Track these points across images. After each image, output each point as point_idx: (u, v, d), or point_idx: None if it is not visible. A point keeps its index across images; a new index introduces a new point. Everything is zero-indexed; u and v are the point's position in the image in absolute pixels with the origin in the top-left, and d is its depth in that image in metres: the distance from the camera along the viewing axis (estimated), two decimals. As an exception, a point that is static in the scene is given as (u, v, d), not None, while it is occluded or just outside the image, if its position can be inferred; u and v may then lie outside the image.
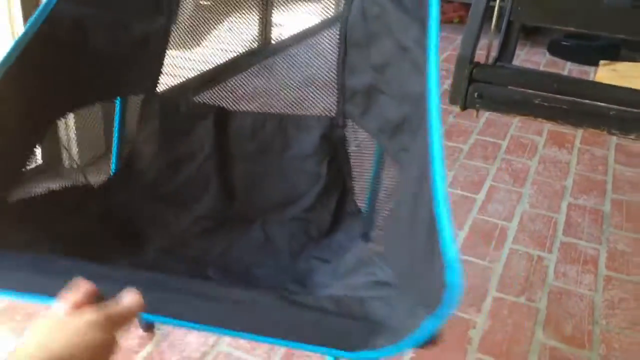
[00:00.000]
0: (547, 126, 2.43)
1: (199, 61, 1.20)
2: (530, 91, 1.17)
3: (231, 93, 1.05)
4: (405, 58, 0.79)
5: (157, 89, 1.05)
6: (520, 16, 1.43)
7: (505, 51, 1.47)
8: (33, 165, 0.95)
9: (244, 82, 1.06)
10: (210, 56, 1.17)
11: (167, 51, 1.03)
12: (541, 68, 3.25)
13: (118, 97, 1.02)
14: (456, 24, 3.99)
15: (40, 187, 0.88)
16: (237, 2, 1.15)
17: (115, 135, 1.07)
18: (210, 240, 0.94)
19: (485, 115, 2.53)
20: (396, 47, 0.81)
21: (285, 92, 1.03)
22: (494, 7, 1.29)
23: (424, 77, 0.70)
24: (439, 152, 0.64)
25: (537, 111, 1.19)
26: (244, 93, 1.06)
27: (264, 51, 1.07)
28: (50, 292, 0.55)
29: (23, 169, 0.85)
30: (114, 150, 1.07)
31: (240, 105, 1.06)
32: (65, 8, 0.90)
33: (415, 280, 0.62)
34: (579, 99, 1.14)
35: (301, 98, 1.01)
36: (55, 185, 0.93)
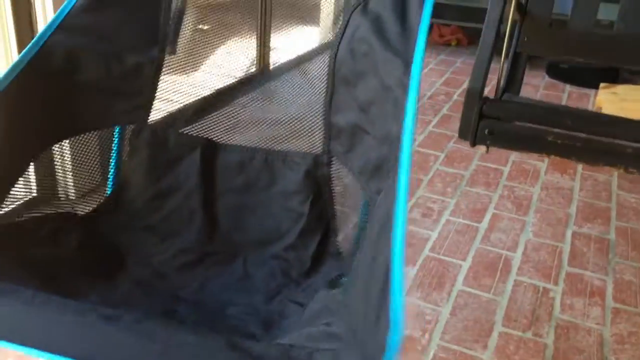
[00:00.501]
0: (581, 166, 2.40)
1: (196, 86, 1.18)
2: (543, 127, 1.15)
3: (221, 124, 1.04)
4: (388, 98, 0.77)
5: (149, 118, 1.03)
6: (527, 48, 1.41)
7: (513, 82, 1.45)
8: (27, 197, 0.93)
9: (234, 113, 1.04)
10: (208, 81, 1.15)
11: (166, 76, 1.02)
12: (540, 91, 3.25)
13: (115, 126, 1.01)
14: (454, 47, 3.99)
15: (25, 216, 0.86)
16: (235, 25, 1.14)
17: (112, 164, 1.05)
18: (189, 274, 0.91)
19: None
20: (381, 86, 0.80)
21: (273, 127, 1.01)
22: (501, 36, 1.27)
23: (401, 118, 0.68)
24: (403, 200, 0.61)
25: (550, 149, 1.17)
26: (233, 125, 1.04)
27: (255, 81, 1.04)
28: None
29: (5, 196, 0.83)
30: (109, 180, 1.05)
31: (229, 137, 1.04)
32: (59, 39, 0.91)
33: (362, 337, 0.59)
34: (594, 137, 1.11)
35: (288, 133, 1.00)
36: (39, 212, 0.91)
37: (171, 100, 1.07)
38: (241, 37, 1.19)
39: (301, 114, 0.98)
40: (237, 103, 1.06)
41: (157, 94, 1.03)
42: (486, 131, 1.17)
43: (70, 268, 0.86)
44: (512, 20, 1.26)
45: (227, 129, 1.03)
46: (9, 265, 0.77)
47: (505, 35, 1.21)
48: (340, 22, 0.91)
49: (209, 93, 1.12)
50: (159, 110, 1.04)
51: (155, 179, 1.02)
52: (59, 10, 0.95)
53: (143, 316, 0.62)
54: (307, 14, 1.07)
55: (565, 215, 1.98)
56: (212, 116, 1.04)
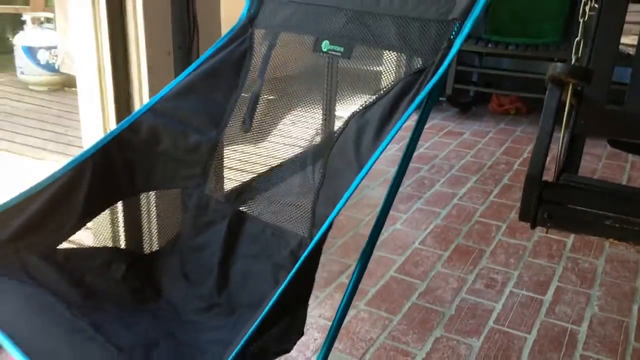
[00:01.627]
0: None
1: (264, 156, 1.30)
2: (600, 212, 1.20)
3: (251, 198, 1.20)
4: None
5: (201, 185, 1.18)
6: (584, 130, 1.48)
7: (571, 162, 1.51)
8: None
9: (258, 192, 1.19)
10: (274, 150, 1.27)
11: (237, 146, 1.19)
12: (602, 160, 3.25)
13: (176, 188, 1.20)
14: (513, 115, 4.06)
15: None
16: (301, 96, 1.26)
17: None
18: (197, 316, 1.07)
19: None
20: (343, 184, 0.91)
21: (282, 206, 1.15)
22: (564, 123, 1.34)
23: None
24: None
25: (608, 232, 1.22)
26: (256, 201, 1.19)
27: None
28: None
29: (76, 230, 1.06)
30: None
31: (252, 210, 1.19)
32: (148, 117, 1.14)
33: None
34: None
35: (287, 216, 1.13)
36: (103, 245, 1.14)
37: (246, 162, 1.22)
38: (306, 108, 1.31)
39: (299, 202, 1.12)
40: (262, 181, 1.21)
41: (211, 168, 1.19)
42: (545, 215, 1.24)
43: (104, 293, 1.05)
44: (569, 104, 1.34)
45: (252, 204, 1.19)
46: (59, 279, 1.01)
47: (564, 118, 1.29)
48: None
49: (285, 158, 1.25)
50: (211, 179, 1.21)
51: (194, 235, 1.19)
52: (154, 97, 1.15)
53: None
54: (368, 85, 1.17)
55: (631, 288, 1.98)
56: (245, 192, 1.19)
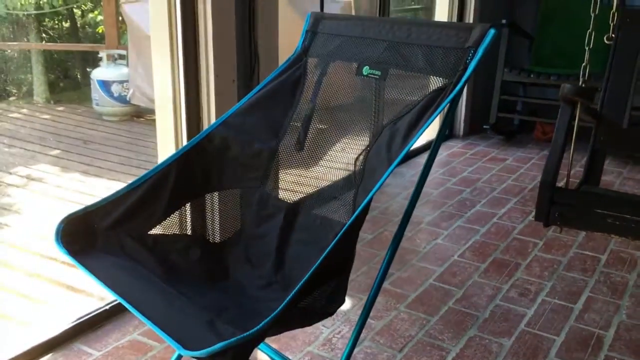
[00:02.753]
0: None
1: (314, 178, 1.53)
2: (604, 212, 1.37)
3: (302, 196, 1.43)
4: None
5: (262, 185, 1.41)
6: (602, 145, 1.65)
7: (592, 175, 1.68)
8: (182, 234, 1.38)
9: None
10: (321, 181, 1.50)
11: (291, 175, 1.42)
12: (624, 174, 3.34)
13: (243, 188, 1.44)
14: (558, 143, 4.17)
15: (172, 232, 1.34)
16: (348, 126, 1.48)
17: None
18: (259, 292, 1.28)
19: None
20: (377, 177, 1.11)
21: (330, 201, 1.37)
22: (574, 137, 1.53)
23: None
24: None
25: (610, 229, 1.38)
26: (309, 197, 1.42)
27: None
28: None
29: (163, 219, 1.31)
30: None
31: (305, 204, 1.41)
32: (220, 130, 1.38)
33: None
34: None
35: (334, 208, 1.35)
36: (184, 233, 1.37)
37: (300, 184, 1.45)
38: (351, 142, 1.53)
39: (342, 196, 1.34)
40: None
41: (271, 171, 1.42)
42: (557, 214, 1.41)
43: (185, 270, 1.29)
44: (585, 121, 1.52)
45: (306, 200, 1.41)
46: (149, 257, 1.25)
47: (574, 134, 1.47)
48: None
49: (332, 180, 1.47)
50: (271, 180, 1.44)
51: (256, 226, 1.41)
52: (225, 113, 1.40)
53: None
54: (400, 101, 1.38)
55: (661, 300, 2.08)
56: (298, 191, 1.43)
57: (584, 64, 1.53)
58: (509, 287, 2.17)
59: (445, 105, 1.11)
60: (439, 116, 1.13)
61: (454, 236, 2.61)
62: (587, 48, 1.55)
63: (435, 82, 1.17)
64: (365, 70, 1.30)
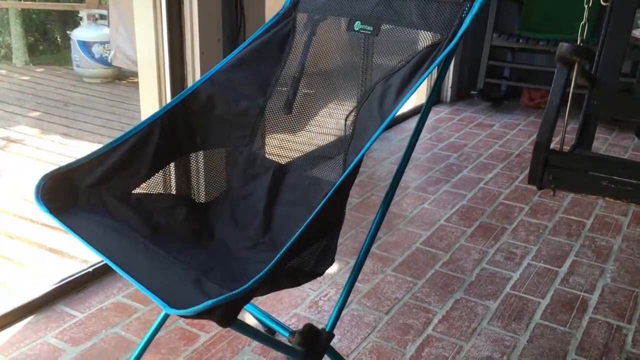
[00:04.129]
0: (632, 207, 2.53)
1: (299, 144, 1.50)
2: (599, 174, 1.36)
3: (291, 156, 1.40)
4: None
5: (249, 144, 1.38)
6: (595, 109, 1.63)
7: (584, 139, 1.66)
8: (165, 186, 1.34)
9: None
10: (311, 140, 1.47)
11: (280, 135, 1.38)
12: (629, 152, 3.35)
13: (228, 147, 1.40)
14: (544, 109, 4.16)
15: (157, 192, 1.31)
16: (338, 86, 1.44)
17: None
18: (246, 253, 1.26)
19: (570, 195, 2.66)
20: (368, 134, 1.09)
21: (320, 161, 1.34)
22: (572, 94, 1.50)
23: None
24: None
25: (604, 192, 1.37)
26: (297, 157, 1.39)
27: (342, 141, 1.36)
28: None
29: (147, 178, 1.27)
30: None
31: (293, 163, 1.39)
32: (206, 86, 1.33)
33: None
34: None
35: (324, 167, 1.32)
36: (170, 193, 1.33)
37: (285, 149, 1.41)
38: (342, 101, 1.50)
39: (332, 155, 1.31)
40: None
41: (259, 129, 1.39)
42: (550, 177, 1.40)
43: (170, 230, 1.26)
44: (580, 85, 1.50)
45: (293, 159, 1.39)
46: (133, 216, 1.22)
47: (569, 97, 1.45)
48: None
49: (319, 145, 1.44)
50: (258, 139, 1.41)
51: (243, 185, 1.38)
52: (212, 69, 1.35)
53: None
54: (392, 57, 1.34)
55: (644, 264, 2.10)
56: (286, 149, 1.40)
57: (582, 22, 1.50)
58: (495, 251, 2.18)
59: (439, 60, 1.07)
60: (429, 78, 1.09)
61: (440, 201, 2.60)
62: (586, 6, 1.51)
63: (430, 38, 1.13)
64: (357, 25, 1.26)
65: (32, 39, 6.05)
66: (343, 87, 1.32)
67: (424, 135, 3.49)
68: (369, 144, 1.01)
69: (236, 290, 0.85)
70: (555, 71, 1.48)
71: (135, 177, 1.26)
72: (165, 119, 1.29)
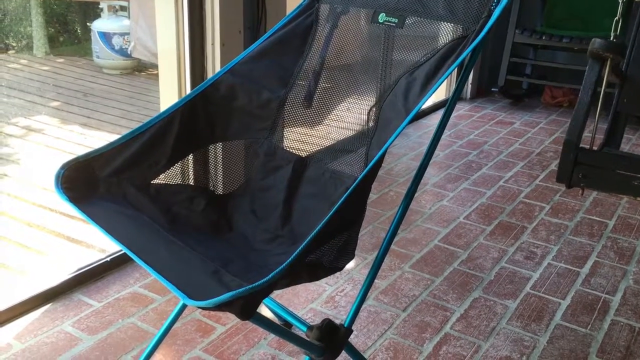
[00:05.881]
0: (656, 208, 2.48)
1: (319, 137, 1.48)
2: (630, 174, 1.32)
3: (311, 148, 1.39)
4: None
5: (270, 136, 1.36)
6: (626, 107, 1.59)
7: (613, 138, 1.62)
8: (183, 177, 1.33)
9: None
10: (331, 133, 1.45)
11: (300, 128, 1.36)
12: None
13: (249, 139, 1.39)
14: (565, 108, 4.10)
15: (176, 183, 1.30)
16: (360, 79, 1.42)
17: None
18: (265, 245, 1.24)
19: (592, 195, 2.62)
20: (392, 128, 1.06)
21: (340, 154, 1.32)
22: (600, 93, 1.47)
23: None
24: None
25: (636, 191, 1.33)
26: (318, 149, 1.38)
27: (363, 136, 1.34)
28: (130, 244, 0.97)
29: (166, 169, 1.26)
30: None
31: (313, 156, 1.37)
32: (226, 77, 1.32)
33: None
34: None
35: (345, 160, 1.30)
36: (189, 184, 1.33)
37: (304, 142, 1.40)
38: (363, 95, 1.48)
39: (354, 148, 1.29)
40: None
41: (279, 121, 1.37)
42: (580, 175, 1.37)
43: (188, 221, 1.24)
44: (611, 82, 1.46)
45: (314, 152, 1.37)
46: (152, 206, 1.21)
47: (600, 95, 1.41)
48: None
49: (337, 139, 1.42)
50: (279, 131, 1.39)
51: (263, 178, 1.37)
52: (233, 60, 1.34)
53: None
54: (418, 50, 1.31)
55: (668, 267, 2.06)
56: (307, 143, 1.38)
57: (616, 18, 1.46)
58: (514, 250, 2.14)
59: (467, 54, 1.05)
60: (451, 75, 1.07)
61: (459, 198, 2.57)
62: (620, 1, 1.47)
63: (456, 30, 1.10)
64: (382, 17, 1.24)
65: (53, 30, 6.09)
66: (364, 81, 1.30)
67: (443, 132, 3.45)
68: (393, 137, 0.99)
69: (257, 283, 0.84)
70: (587, 67, 1.45)
71: (154, 167, 1.26)
72: (186, 109, 1.28)
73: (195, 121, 1.30)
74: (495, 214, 2.44)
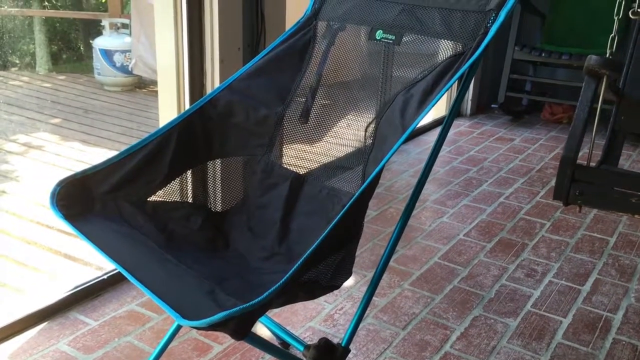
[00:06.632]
0: (657, 225, 2.47)
1: (316, 154, 1.48)
2: (628, 191, 1.31)
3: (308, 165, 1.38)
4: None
5: (267, 153, 1.36)
6: (623, 125, 1.59)
7: (610, 155, 1.62)
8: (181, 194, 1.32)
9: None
10: (329, 150, 1.44)
11: (298, 145, 1.36)
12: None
13: (247, 155, 1.38)
14: (565, 124, 4.10)
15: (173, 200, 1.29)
16: (358, 96, 1.42)
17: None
18: (261, 264, 1.23)
19: (593, 212, 2.61)
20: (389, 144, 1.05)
21: (337, 171, 1.32)
22: (598, 112, 1.46)
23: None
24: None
25: (633, 208, 1.33)
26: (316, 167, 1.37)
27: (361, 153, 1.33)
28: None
29: (163, 186, 1.26)
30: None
31: (310, 174, 1.36)
32: (224, 94, 1.32)
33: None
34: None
35: (342, 178, 1.30)
36: (185, 201, 1.32)
37: (302, 159, 1.39)
38: (361, 112, 1.47)
39: (352, 166, 1.28)
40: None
41: (277, 138, 1.37)
42: (577, 192, 1.36)
43: (185, 239, 1.23)
44: (607, 100, 1.46)
45: (312, 169, 1.37)
46: (148, 224, 1.20)
47: (597, 112, 1.41)
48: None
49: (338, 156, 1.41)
50: (276, 148, 1.39)
51: (260, 195, 1.36)
52: (231, 77, 1.34)
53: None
54: (415, 67, 1.31)
55: (670, 285, 2.04)
56: (304, 160, 1.38)
57: (612, 35, 1.46)
58: (515, 267, 2.13)
59: (463, 71, 1.05)
60: (449, 90, 1.07)
61: (459, 215, 2.56)
62: (615, 18, 1.47)
63: (453, 47, 1.10)
64: (379, 34, 1.24)
65: (55, 47, 6.12)
66: (362, 98, 1.30)
67: (443, 149, 3.45)
68: (389, 154, 0.98)
69: (250, 303, 0.83)
70: (583, 84, 1.45)
71: (151, 184, 1.25)
72: (183, 126, 1.27)
73: (193, 138, 1.29)
74: (495, 230, 2.42)
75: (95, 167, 1.19)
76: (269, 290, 0.85)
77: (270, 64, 1.33)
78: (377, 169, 0.97)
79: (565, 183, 1.35)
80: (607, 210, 1.41)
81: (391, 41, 1.22)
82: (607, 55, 1.49)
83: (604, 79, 1.41)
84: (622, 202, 1.33)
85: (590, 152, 1.51)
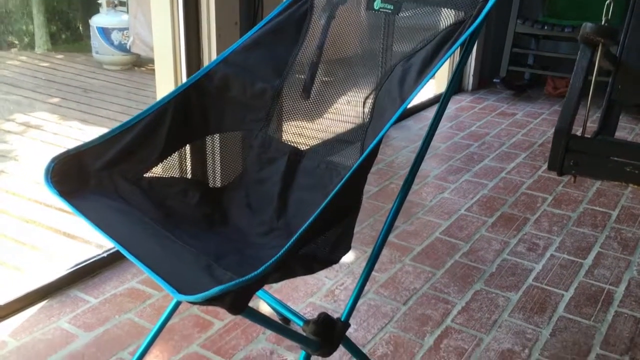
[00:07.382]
0: (660, 198, 2.45)
1: (318, 130, 1.45)
2: (622, 160, 1.29)
3: (306, 139, 1.36)
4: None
5: (265, 127, 1.34)
6: (620, 95, 1.56)
7: (607, 126, 1.59)
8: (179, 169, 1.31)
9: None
10: (328, 127, 1.42)
11: (296, 121, 1.33)
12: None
13: (243, 130, 1.35)
14: (569, 99, 4.06)
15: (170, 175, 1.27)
16: (357, 70, 1.40)
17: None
18: (260, 239, 1.23)
19: (596, 185, 2.59)
20: (387, 115, 1.03)
21: (336, 144, 1.30)
22: (593, 81, 1.43)
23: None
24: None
25: (628, 177, 1.31)
26: (315, 141, 1.35)
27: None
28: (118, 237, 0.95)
29: (159, 161, 1.24)
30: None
31: (309, 148, 1.34)
32: (220, 68, 1.29)
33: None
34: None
35: (340, 151, 1.28)
36: (183, 176, 1.30)
37: (301, 135, 1.37)
38: (361, 87, 1.45)
39: (350, 139, 1.26)
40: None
41: (274, 113, 1.34)
42: (571, 162, 1.34)
43: (182, 215, 1.22)
44: (604, 69, 1.43)
45: (310, 143, 1.35)
46: (145, 200, 1.18)
47: (592, 82, 1.38)
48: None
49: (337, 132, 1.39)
50: (274, 122, 1.36)
51: (258, 170, 1.34)
52: (227, 50, 1.31)
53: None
54: (414, 36, 1.28)
55: (673, 257, 2.03)
56: (303, 136, 1.36)
57: (607, 2, 1.42)
58: (516, 241, 2.12)
59: (463, 40, 1.02)
60: (450, 63, 1.04)
61: (461, 190, 2.54)
62: (614, -15, 1.44)
63: (453, 16, 1.07)
64: (377, 4, 1.21)
65: (54, 27, 6.06)
66: (363, 73, 1.27)
67: (444, 124, 3.42)
68: (387, 125, 0.96)
69: (247, 277, 0.82)
70: (579, 53, 1.42)
71: (147, 160, 1.23)
72: (179, 100, 1.25)
73: (189, 112, 1.27)
74: (497, 205, 2.41)
75: (89, 142, 1.17)
76: (266, 264, 0.84)
77: (266, 37, 1.31)
78: (375, 141, 0.95)
79: (559, 153, 1.34)
80: (601, 179, 1.40)
81: (390, 11, 1.19)
82: (603, 22, 1.46)
83: (600, 47, 1.38)
84: (616, 171, 1.31)
85: (585, 122, 1.49)
